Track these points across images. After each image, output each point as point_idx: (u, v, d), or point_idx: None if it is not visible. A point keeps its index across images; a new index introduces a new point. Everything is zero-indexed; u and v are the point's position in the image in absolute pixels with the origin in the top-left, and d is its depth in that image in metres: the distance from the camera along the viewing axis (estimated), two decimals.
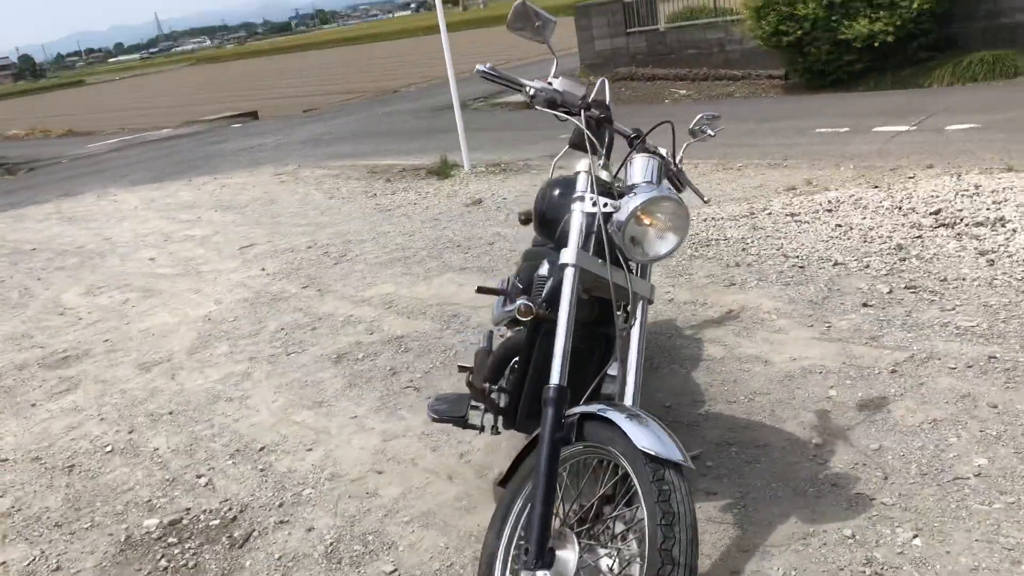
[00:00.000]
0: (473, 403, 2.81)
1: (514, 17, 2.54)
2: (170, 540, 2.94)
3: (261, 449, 3.50)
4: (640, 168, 2.33)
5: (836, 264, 4.56)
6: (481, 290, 3.34)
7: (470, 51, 26.69)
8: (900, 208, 5.39)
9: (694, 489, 2.56)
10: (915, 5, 11.42)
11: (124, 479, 3.43)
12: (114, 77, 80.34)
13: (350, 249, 6.47)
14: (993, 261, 4.26)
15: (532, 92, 2.48)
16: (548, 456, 2.03)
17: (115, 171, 13.69)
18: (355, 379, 4.05)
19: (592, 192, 2.28)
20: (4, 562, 2.97)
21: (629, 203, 2.19)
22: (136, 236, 8.28)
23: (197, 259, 6.95)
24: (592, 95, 2.58)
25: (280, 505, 3.05)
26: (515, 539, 2.18)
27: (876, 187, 6.04)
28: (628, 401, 2.24)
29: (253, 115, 20.35)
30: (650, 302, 2.38)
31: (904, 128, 8.38)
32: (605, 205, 2.26)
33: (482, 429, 2.77)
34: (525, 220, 3.59)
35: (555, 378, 2.12)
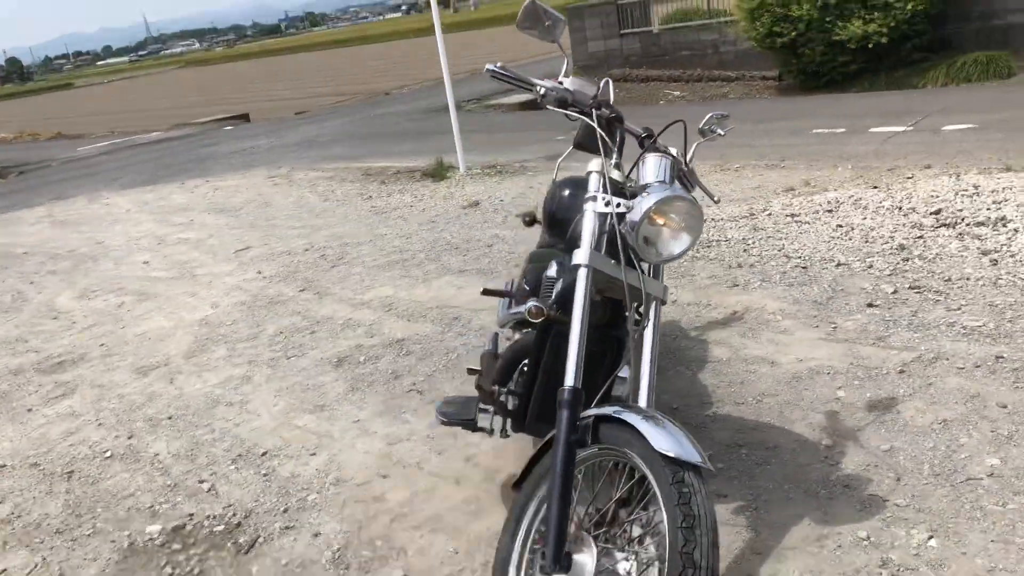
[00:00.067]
0: (481, 406, 2.78)
1: (523, 16, 2.51)
2: (174, 546, 2.90)
3: (263, 454, 3.46)
4: (653, 168, 2.31)
5: (839, 265, 4.55)
6: (487, 292, 3.30)
7: (461, 53, 26.66)
8: (900, 208, 5.38)
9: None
10: (909, 6, 11.47)
11: (125, 485, 3.39)
12: (103, 80, 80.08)
13: (347, 252, 6.43)
14: (996, 261, 4.25)
15: (543, 91, 2.45)
16: (564, 459, 2.01)
17: (106, 174, 13.61)
18: (357, 383, 4.01)
19: (605, 192, 2.25)
20: (5, 569, 2.93)
21: (643, 203, 2.17)
22: (129, 239, 8.22)
23: (192, 262, 6.90)
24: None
25: (285, 510, 3.02)
26: (529, 543, 2.15)
27: (875, 187, 6.04)
28: (642, 402, 2.21)
29: (245, 117, 20.28)
30: (663, 303, 2.35)
31: (900, 129, 8.39)
32: (618, 205, 2.23)
33: (491, 432, 2.74)
34: (529, 221, 3.58)
35: (570, 380, 2.10)
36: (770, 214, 5.73)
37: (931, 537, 2.36)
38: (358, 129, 15.20)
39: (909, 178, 6.21)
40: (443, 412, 2.82)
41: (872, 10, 11.63)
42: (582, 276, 2.19)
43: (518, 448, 3.15)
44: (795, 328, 3.85)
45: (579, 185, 2.51)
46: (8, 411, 4.34)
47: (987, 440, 2.77)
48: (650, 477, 1.93)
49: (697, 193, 2.52)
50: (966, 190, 5.51)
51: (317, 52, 65.06)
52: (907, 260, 4.47)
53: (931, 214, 5.15)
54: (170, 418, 3.95)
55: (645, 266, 2.35)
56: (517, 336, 2.94)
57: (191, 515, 3.08)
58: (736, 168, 7.34)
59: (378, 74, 30.20)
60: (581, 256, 2.21)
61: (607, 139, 2.39)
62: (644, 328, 2.29)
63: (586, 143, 2.55)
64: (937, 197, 5.47)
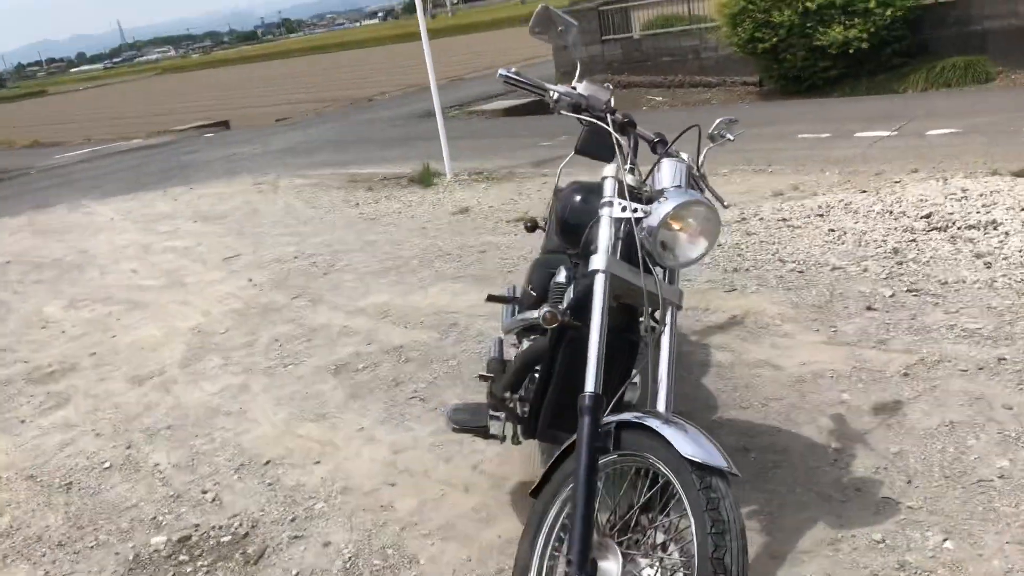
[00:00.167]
0: (492, 413, 2.77)
1: (536, 22, 2.52)
2: (181, 558, 2.87)
3: (267, 463, 3.43)
4: (669, 172, 2.31)
5: (834, 268, 4.58)
6: (491, 298, 3.30)
7: (440, 59, 26.60)
8: (891, 212, 5.42)
9: None
10: (888, 12, 11.59)
11: (126, 496, 3.35)
12: (77, 87, 79.34)
13: (339, 259, 6.40)
14: (991, 264, 4.29)
15: (556, 97, 2.45)
16: (587, 465, 2.00)
17: (86, 182, 13.47)
18: (357, 390, 3.99)
19: (623, 197, 2.25)
20: None
21: (660, 208, 2.18)
22: (114, 248, 8.14)
23: (180, 270, 6.84)
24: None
25: (292, 520, 2.99)
26: (549, 550, 2.14)
27: (864, 192, 6.08)
28: (661, 407, 2.20)
29: (225, 124, 20.16)
30: (679, 308, 2.35)
31: (885, 133, 8.46)
32: (635, 210, 2.23)
33: (503, 439, 2.73)
34: (531, 227, 3.57)
35: (590, 386, 2.09)
36: (761, 219, 5.76)
37: (946, 539, 2.38)
38: (341, 135, 15.16)
39: (897, 182, 6.26)
40: (455, 419, 2.81)
41: (852, 16, 11.73)
42: (600, 281, 2.19)
43: (525, 455, 3.15)
44: (796, 332, 3.87)
45: (592, 191, 2.51)
46: (0, 423, 4.27)
47: (995, 442, 2.79)
48: (675, 483, 1.92)
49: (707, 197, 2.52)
50: (955, 194, 5.56)
51: (294, 58, 64.81)
52: (901, 264, 4.51)
53: (922, 218, 5.19)
54: (169, 427, 3.91)
55: (659, 271, 2.35)
56: (526, 343, 2.93)
57: (196, 526, 3.05)
58: (724, 173, 7.37)
59: (358, 80, 30.14)
60: (599, 261, 2.20)
61: (623, 143, 2.38)
62: (661, 333, 2.29)
63: (588, 149, 2.54)
64: (927, 201, 5.51)
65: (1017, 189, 5.43)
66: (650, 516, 2.06)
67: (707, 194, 2.62)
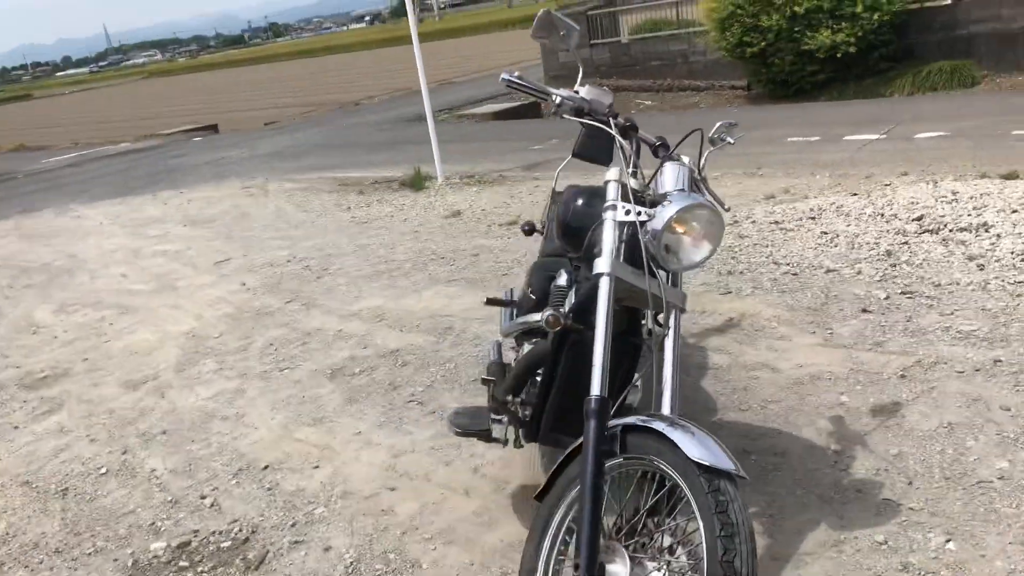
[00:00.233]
0: (493, 416, 2.77)
1: (538, 26, 2.52)
2: (181, 563, 2.85)
3: (265, 468, 3.42)
4: (671, 176, 2.32)
5: (828, 271, 4.60)
6: (490, 302, 3.30)
7: (427, 63, 26.58)
8: (883, 215, 5.45)
9: None
10: (875, 16, 11.66)
11: (123, 501, 3.33)
12: (63, 91, 78.89)
13: (331, 262, 6.38)
14: (983, 266, 4.33)
15: (559, 101, 2.45)
16: (594, 469, 2.00)
17: (74, 186, 13.40)
18: (354, 394, 3.98)
19: (628, 201, 2.25)
20: None
21: (665, 211, 2.18)
22: (103, 252, 8.10)
23: (171, 274, 6.81)
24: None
25: (293, 525, 2.98)
26: (555, 553, 2.14)
27: (855, 195, 6.11)
28: (666, 410, 2.21)
29: (213, 128, 20.08)
30: (683, 311, 2.36)
31: (874, 136, 8.51)
32: (639, 213, 2.24)
33: (505, 443, 2.73)
34: (528, 231, 3.57)
35: (596, 389, 2.09)
36: (754, 221, 5.79)
37: (948, 540, 2.39)
38: (330, 139, 15.13)
39: (887, 185, 6.30)
40: (457, 423, 2.81)
41: (840, 20, 11.79)
42: (604, 284, 2.19)
43: (525, 459, 3.15)
44: (792, 334, 3.88)
45: (594, 194, 2.51)
46: None
47: (994, 443, 2.80)
48: (683, 486, 1.93)
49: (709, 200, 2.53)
50: (945, 196, 5.61)
51: (282, 62, 64.66)
52: (895, 266, 4.53)
53: (913, 220, 5.23)
54: (164, 432, 3.89)
55: (662, 274, 2.35)
56: (527, 346, 2.92)
57: (195, 531, 3.03)
58: (715, 176, 7.39)
59: (344, 84, 30.10)
60: (603, 265, 2.21)
61: (627, 147, 2.39)
62: (665, 336, 2.29)
63: (586, 153, 2.54)
64: (917, 204, 5.55)
65: (1006, 192, 5.48)
66: (656, 520, 2.06)
67: (708, 197, 2.63)
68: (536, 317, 2.82)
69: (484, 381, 2.84)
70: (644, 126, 2.53)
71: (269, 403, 4.03)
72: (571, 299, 2.63)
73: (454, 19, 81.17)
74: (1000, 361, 3.32)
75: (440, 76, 24.72)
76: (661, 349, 2.28)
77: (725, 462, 1.90)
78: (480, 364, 4.02)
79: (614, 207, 2.28)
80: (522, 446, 2.76)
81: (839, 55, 11.86)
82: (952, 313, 3.82)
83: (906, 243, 4.86)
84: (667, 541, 2.02)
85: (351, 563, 2.72)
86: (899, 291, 4.17)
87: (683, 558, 1.99)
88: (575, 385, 2.40)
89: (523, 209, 7.18)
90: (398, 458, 3.33)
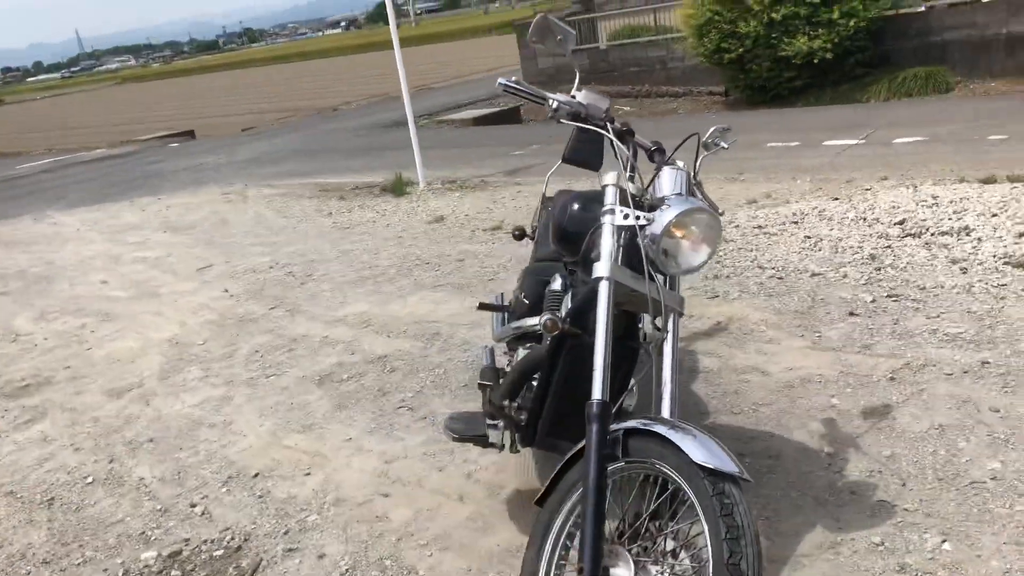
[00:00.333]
0: (489, 421, 2.76)
1: (535, 30, 2.52)
2: (173, 573, 2.82)
3: (255, 475, 3.39)
4: (669, 180, 2.33)
5: (813, 275, 4.63)
6: (482, 307, 3.29)
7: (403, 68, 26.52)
8: (865, 219, 5.50)
9: None
10: (851, 23, 11.78)
11: (111, 511, 3.29)
12: (35, 96, 78.02)
13: (315, 268, 6.35)
14: (966, 269, 4.37)
15: (556, 105, 2.45)
16: (596, 473, 1.99)
17: (50, 192, 13.25)
18: (343, 400, 3.96)
19: (627, 205, 2.26)
20: None
21: (663, 215, 2.18)
22: (82, 259, 8.01)
23: (152, 281, 6.75)
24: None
25: (286, 532, 2.95)
26: (556, 558, 2.14)
27: (836, 199, 6.16)
28: (665, 414, 2.21)
29: (190, 134, 19.93)
30: (681, 315, 2.36)
31: (853, 142, 8.59)
32: (638, 217, 2.24)
33: (502, 447, 2.72)
34: (519, 236, 3.56)
35: (597, 393, 2.09)
36: (737, 226, 5.82)
37: (944, 541, 2.41)
38: (309, 145, 15.06)
39: (868, 189, 6.35)
40: (452, 429, 2.80)
41: (817, 27, 11.91)
42: (604, 289, 2.19)
43: (519, 464, 3.14)
44: (781, 337, 3.90)
45: (591, 198, 2.51)
46: None
47: (985, 444, 2.83)
48: (687, 489, 1.93)
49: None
50: (925, 201, 5.66)
51: (257, 68, 64.29)
52: (879, 270, 4.57)
53: (895, 224, 5.28)
54: (151, 440, 3.85)
55: (659, 278, 2.36)
56: (522, 351, 2.92)
57: (187, 540, 3.00)
58: (696, 181, 7.42)
59: (320, 90, 29.98)
60: (603, 269, 2.21)
61: (625, 151, 2.39)
62: (664, 340, 2.30)
63: (577, 158, 2.54)
64: (899, 208, 5.60)
65: (985, 196, 5.54)
66: (659, 523, 2.06)
67: (705, 202, 2.64)
68: (531, 321, 2.82)
69: (481, 386, 2.84)
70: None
71: (257, 410, 4.00)
72: (567, 303, 2.64)
73: (431, 25, 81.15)
74: (988, 363, 3.35)
75: (418, 82, 24.67)
76: (660, 353, 2.29)
77: (729, 465, 1.91)
78: (470, 370, 4.01)
79: (612, 211, 2.28)
80: (518, 451, 2.76)
81: (816, 61, 11.97)
82: (938, 316, 3.86)
83: (889, 247, 4.90)
84: (670, 545, 2.03)
85: (346, 570, 2.70)
86: (885, 294, 4.20)
87: (686, 561, 1.99)
88: (572, 389, 2.40)
89: (506, 214, 7.18)
90: (390, 464, 3.31)
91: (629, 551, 2.02)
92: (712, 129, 2.73)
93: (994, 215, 5.11)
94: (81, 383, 4.70)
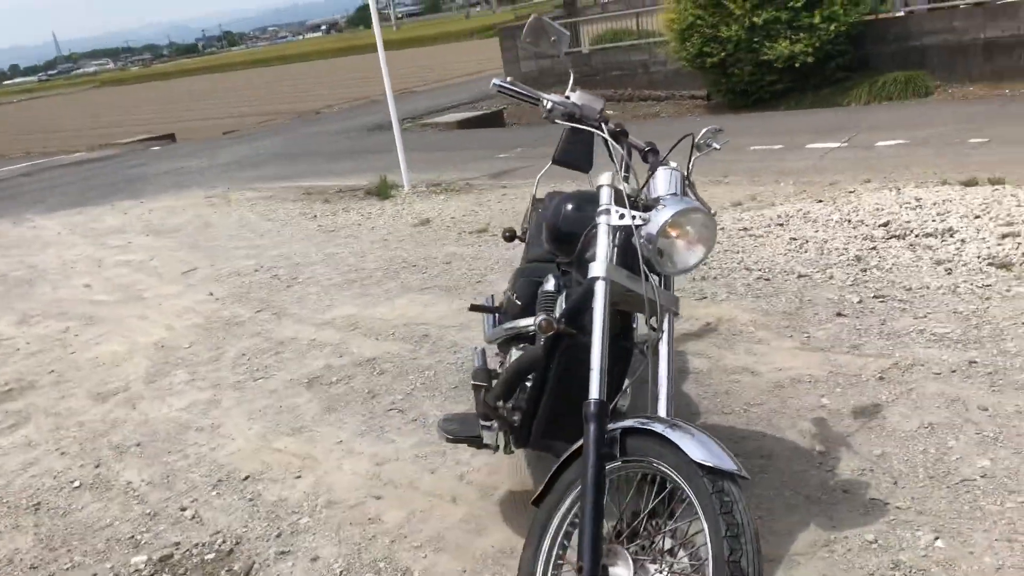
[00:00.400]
0: (483, 422, 2.75)
1: (528, 31, 2.52)
2: None
3: (245, 478, 3.37)
4: (664, 180, 2.33)
5: (800, 276, 4.66)
6: (474, 308, 3.29)
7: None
8: (849, 221, 5.54)
9: None
10: (832, 27, 11.86)
11: (99, 515, 3.26)
12: (11, 99, 77.27)
13: (300, 271, 6.32)
14: (951, 270, 4.41)
15: (550, 106, 2.46)
16: (595, 473, 1.99)
17: (29, 196, 13.12)
18: (333, 403, 3.94)
19: (622, 205, 2.26)
20: None
21: (659, 215, 2.19)
22: (64, 263, 7.93)
23: (136, 285, 6.70)
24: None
25: (278, 535, 2.94)
26: (553, 558, 2.14)
27: (820, 202, 6.20)
28: (662, 413, 2.22)
29: (171, 137, 19.81)
30: (676, 314, 2.37)
31: (835, 145, 8.65)
32: (634, 217, 2.25)
33: (496, 448, 2.72)
34: (509, 237, 3.56)
35: (594, 392, 2.09)
36: (723, 228, 5.84)
37: (937, 538, 2.43)
38: (291, 148, 15.00)
39: (851, 192, 6.40)
40: (446, 430, 2.80)
41: (798, 31, 11.98)
42: (600, 288, 2.20)
43: (512, 465, 3.14)
44: (770, 338, 3.93)
45: (585, 199, 2.52)
46: None
47: (974, 442, 2.86)
48: (686, 488, 1.93)
49: None
50: (909, 203, 5.71)
51: (237, 71, 63.98)
52: (865, 271, 4.61)
53: (880, 226, 5.32)
54: (138, 444, 3.81)
55: (655, 278, 2.37)
56: (515, 351, 2.92)
57: (177, 544, 2.98)
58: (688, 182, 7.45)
59: (302, 93, 29.88)
60: (599, 269, 2.21)
61: (621, 151, 2.40)
62: (659, 340, 2.30)
63: (567, 159, 2.56)
64: (883, 210, 5.65)
65: (967, 198, 5.60)
66: (656, 522, 2.06)
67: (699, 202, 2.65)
68: (525, 322, 2.82)
69: (474, 387, 2.83)
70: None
71: (245, 413, 3.98)
72: (562, 304, 2.63)
73: (412, 29, 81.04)
74: (975, 362, 3.39)
75: (400, 85, 24.61)
76: (655, 353, 2.29)
77: (727, 463, 1.91)
78: (460, 372, 4.01)
79: (608, 211, 2.29)
80: (512, 452, 2.76)
81: (797, 65, 12.04)
82: (925, 316, 3.90)
83: (874, 248, 4.94)
84: (668, 543, 2.03)
85: (340, 572, 2.69)
86: (871, 295, 4.23)
87: (685, 560, 2.00)
88: (567, 390, 2.40)
89: (492, 217, 7.18)
90: (382, 466, 3.30)
91: (627, 550, 2.02)
92: (704, 130, 2.74)
93: (977, 217, 5.16)
94: (66, 387, 4.66)
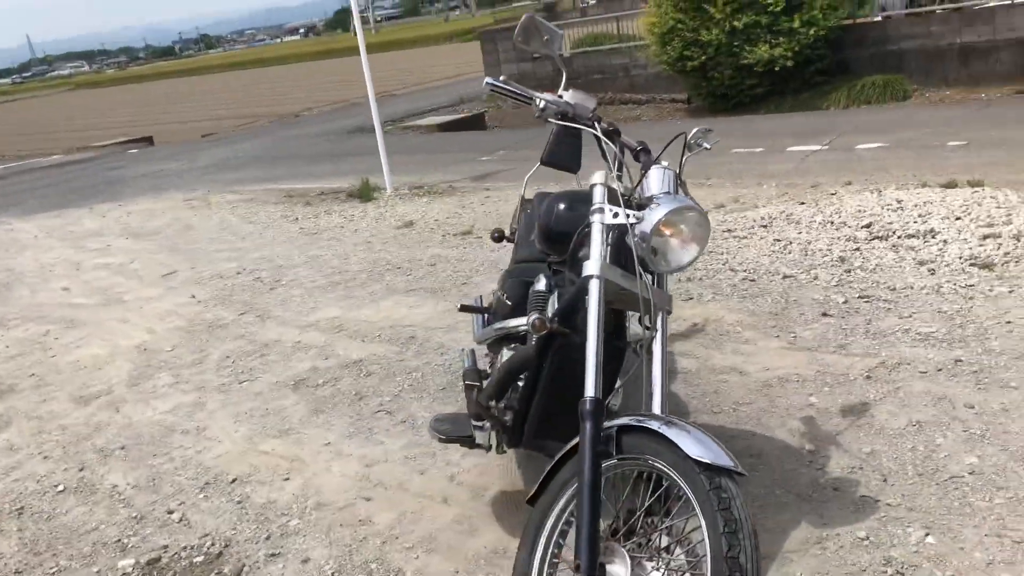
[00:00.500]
0: (474, 422, 2.75)
1: (521, 31, 2.53)
2: None
3: (233, 481, 3.34)
4: (657, 179, 2.34)
5: (785, 277, 4.69)
6: (464, 308, 3.28)
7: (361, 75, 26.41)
8: (832, 223, 5.58)
9: None
10: (811, 31, 11.95)
11: (84, 519, 3.22)
12: None
13: (283, 274, 6.29)
14: (934, 271, 4.45)
15: (543, 105, 2.46)
16: (591, 470, 1.99)
17: (4, 199, 12.97)
18: (320, 405, 3.92)
19: (616, 204, 2.26)
20: None
21: (653, 214, 2.20)
22: (42, 266, 7.84)
23: (116, 287, 6.63)
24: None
25: (267, 538, 2.91)
26: (549, 557, 2.13)
27: (803, 203, 6.24)
28: (656, 410, 2.22)
29: (149, 140, 19.65)
30: (669, 313, 2.38)
31: (816, 147, 8.72)
32: (628, 216, 2.25)
33: (489, 448, 2.71)
34: (498, 238, 3.56)
35: (590, 391, 2.09)
36: None
37: (927, 534, 2.44)
38: (271, 151, 14.92)
39: (833, 194, 6.45)
40: (438, 430, 2.79)
41: (778, 35, 12.06)
42: (595, 287, 2.19)
43: (502, 465, 3.14)
44: (757, 338, 3.94)
45: (577, 198, 2.52)
46: None
47: (962, 440, 2.88)
48: (683, 485, 1.93)
49: None
50: (890, 205, 5.76)
51: (214, 74, 63.60)
52: (849, 272, 4.64)
53: (862, 228, 5.36)
54: (123, 448, 3.77)
55: (648, 277, 2.37)
56: (506, 352, 2.91)
57: (165, 547, 2.94)
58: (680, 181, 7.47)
59: (280, 96, 29.73)
60: (593, 267, 2.21)
61: (615, 150, 2.41)
62: (653, 338, 2.31)
63: (556, 160, 2.55)
64: (865, 212, 5.69)
65: (948, 200, 5.65)
66: (653, 520, 2.06)
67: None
68: (516, 322, 2.82)
69: (466, 387, 2.82)
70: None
71: (231, 416, 3.95)
72: (554, 303, 2.63)
73: (391, 32, 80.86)
74: (961, 361, 3.42)
75: (380, 88, 24.48)
76: (649, 351, 2.30)
77: (724, 459, 1.92)
78: (447, 373, 4.00)
79: (602, 210, 2.29)
80: (505, 451, 2.75)
81: (777, 69, 12.12)
82: (910, 316, 3.93)
83: (858, 249, 4.97)
84: (664, 541, 2.03)
85: (332, 574, 2.67)
86: (856, 295, 4.26)
87: (681, 557, 2.00)
88: (560, 389, 2.40)
89: (476, 219, 7.17)
90: (371, 468, 3.28)
91: (624, 548, 2.02)
92: (695, 130, 2.76)
93: (958, 218, 5.21)
94: (47, 390, 4.60)
